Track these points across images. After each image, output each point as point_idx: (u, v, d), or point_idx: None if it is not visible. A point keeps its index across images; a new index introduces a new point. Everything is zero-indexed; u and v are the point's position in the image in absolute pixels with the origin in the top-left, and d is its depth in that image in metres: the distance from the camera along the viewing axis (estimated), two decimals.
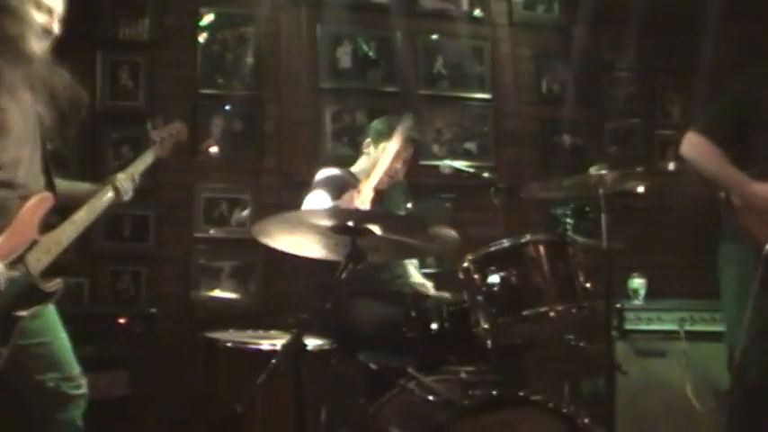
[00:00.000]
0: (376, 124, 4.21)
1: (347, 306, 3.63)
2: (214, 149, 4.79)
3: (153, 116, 3.49)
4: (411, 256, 4.02)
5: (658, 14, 5.58)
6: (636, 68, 5.95)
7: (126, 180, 3.09)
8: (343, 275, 2.56)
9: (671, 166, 5.75)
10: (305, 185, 4.12)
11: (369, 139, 4.16)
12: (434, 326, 3.35)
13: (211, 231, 4.92)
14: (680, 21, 5.74)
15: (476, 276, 3.12)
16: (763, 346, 3.26)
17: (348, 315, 3.62)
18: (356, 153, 4.44)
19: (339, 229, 2.62)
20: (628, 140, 5.92)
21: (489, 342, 3.08)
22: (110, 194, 3.04)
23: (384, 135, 3.98)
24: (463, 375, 3.09)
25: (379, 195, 3.90)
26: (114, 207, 3.08)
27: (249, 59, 5.07)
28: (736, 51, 5.78)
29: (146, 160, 3.26)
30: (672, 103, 6.10)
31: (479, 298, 3.09)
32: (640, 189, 3.57)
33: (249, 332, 3.45)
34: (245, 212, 4.95)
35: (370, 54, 5.36)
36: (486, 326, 3.05)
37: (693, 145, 3.45)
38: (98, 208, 2.98)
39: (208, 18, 5.03)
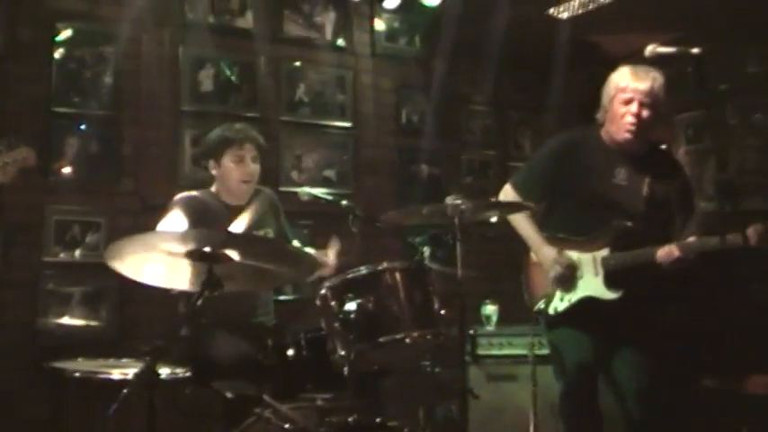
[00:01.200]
0: (207, 142, 4.10)
1: (203, 334, 3.57)
2: (67, 170, 4.61)
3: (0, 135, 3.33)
4: (269, 285, 3.97)
5: (513, 53, 5.86)
6: (491, 103, 6.23)
7: None
8: (199, 303, 2.52)
9: None
10: (162, 209, 4.03)
11: (211, 161, 4.02)
12: (291, 353, 3.35)
13: (61, 255, 4.71)
14: (532, 60, 6.05)
15: (333, 303, 3.16)
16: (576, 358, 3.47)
17: (204, 343, 3.55)
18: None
19: (195, 256, 2.57)
20: (483, 172, 6.16)
21: (346, 369, 3.10)
22: None
23: (220, 147, 3.92)
24: (320, 403, 3.11)
25: (240, 212, 3.86)
26: None
27: (108, 79, 4.90)
28: (579, 92, 6.15)
29: None
30: (524, 137, 6.41)
31: (336, 325, 3.13)
32: (494, 219, 3.72)
33: (99, 361, 3.32)
34: (96, 235, 4.77)
35: (233, 78, 5.33)
36: (343, 353, 3.08)
37: (505, 195, 3.70)
38: None
39: (65, 34, 4.82)
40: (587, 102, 6.39)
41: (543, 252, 3.53)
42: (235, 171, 3.89)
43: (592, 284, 3.41)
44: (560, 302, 3.49)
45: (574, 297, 3.45)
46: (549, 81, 5.95)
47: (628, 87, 3.33)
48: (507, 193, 3.66)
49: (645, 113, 3.32)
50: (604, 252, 3.39)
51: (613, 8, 5.61)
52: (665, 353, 3.59)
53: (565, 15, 5.79)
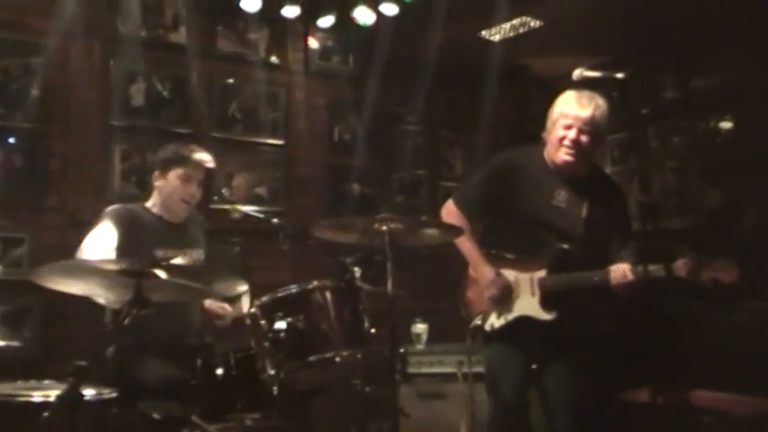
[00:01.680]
0: (162, 153, 4.06)
1: (130, 353, 3.51)
2: None
3: None
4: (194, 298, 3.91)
5: (445, 73, 5.94)
6: (423, 122, 6.30)
7: None
8: (126, 321, 2.49)
9: None
10: (90, 225, 3.95)
11: (157, 172, 4.02)
12: (220, 372, 3.31)
13: None
14: (464, 80, 6.15)
15: (263, 322, 3.15)
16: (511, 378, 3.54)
17: (131, 363, 3.49)
18: (144, 193, 4.30)
19: (126, 273, 2.55)
20: (414, 190, 6.22)
21: (276, 388, 3.10)
22: None
23: (172, 162, 3.90)
24: (249, 423, 3.10)
25: (177, 230, 3.84)
26: None
27: (35, 91, 4.77)
28: (509, 112, 6.31)
29: None
30: (455, 156, 6.49)
31: (266, 344, 3.12)
32: (430, 231, 3.74)
33: (19, 383, 3.21)
34: (19, 251, 4.64)
35: (165, 93, 5.27)
36: (272, 372, 3.08)
37: (449, 213, 3.68)
38: None
39: None
40: (517, 122, 6.60)
41: (482, 271, 3.55)
42: (179, 189, 3.85)
43: (528, 304, 3.45)
44: (496, 320, 3.52)
45: (510, 316, 3.48)
46: (480, 101, 6.05)
47: (570, 114, 3.39)
48: (449, 210, 3.68)
49: (584, 139, 3.37)
50: (542, 273, 3.44)
51: (543, 32, 5.76)
52: (594, 368, 3.65)
53: (497, 38, 5.91)
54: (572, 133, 3.37)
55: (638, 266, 3.15)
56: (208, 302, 3.87)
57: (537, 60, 6.36)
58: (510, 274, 3.51)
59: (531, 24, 5.70)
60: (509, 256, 3.55)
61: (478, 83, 5.95)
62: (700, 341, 4.55)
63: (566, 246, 3.42)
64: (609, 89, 3.30)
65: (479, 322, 3.56)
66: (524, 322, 3.45)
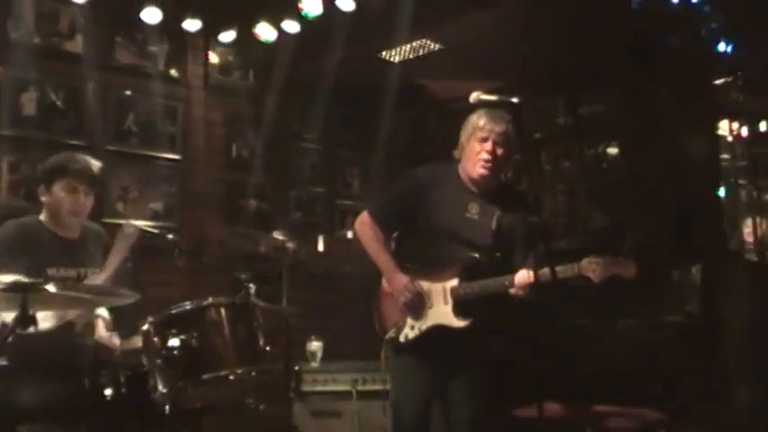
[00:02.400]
0: (44, 165, 3.86)
1: (7, 374, 3.34)
2: None
3: None
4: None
5: (345, 92, 6.00)
6: (321, 140, 6.34)
7: None
8: (9, 340, 2.42)
9: (349, 234, 6.13)
10: None
11: (42, 186, 3.79)
12: (109, 392, 3.23)
13: None
14: (363, 100, 6.22)
15: (156, 339, 3.11)
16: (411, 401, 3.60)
17: (8, 384, 3.33)
18: (34, 207, 4.16)
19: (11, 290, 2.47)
20: (311, 208, 6.23)
21: (167, 407, 3.05)
22: None
23: (54, 173, 3.73)
24: None
25: (71, 246, 3.70)
26: None
27: None
28: (406, 132, 6.42)
29: None
30: (352, 175, 6.55)
31: (159, 361, 3.08)
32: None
33: None
34: None
35: (58, 103, 5.13)
36: (164, 390, 3.03)
37: (363, 224, 3.72)
38: None
39: None
40: (413, 142, 6.72)
41: (395, 278, 3.58)
42: (65, 201, 3.65)
43: (441, 313, 3.51)
44: (411, 330, 3.56)
45: (424, 325, 3.53)
46: (378, 121, 6.13)
47: (485, 127, 3.50)
48: (364, 221, 3.71)
49: (499, 152, 3.50)
50: (453, 282, 3.52)
51: (442, 55, 5.89)
52: (494, 383, 3.73)
53: (396, 59, 6.00)
54: (488, 145, 3.48)
55: (546, 269, 3.26)
56: (98, 335, 3.73)
57: (434, 83, 6.49)
58: (423, 284, 3.57)
59: (431, 47, 5.81)
60: (421, 268, 3.59)
61: (377, 103, 6.03)
62: (585, 356, 4.73)
63: (476, 255, 3.52)
64: (505, 121, 3.44)
65: (393, 334, 3.59)
66: (437, 332, 3.50)
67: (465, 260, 3.52)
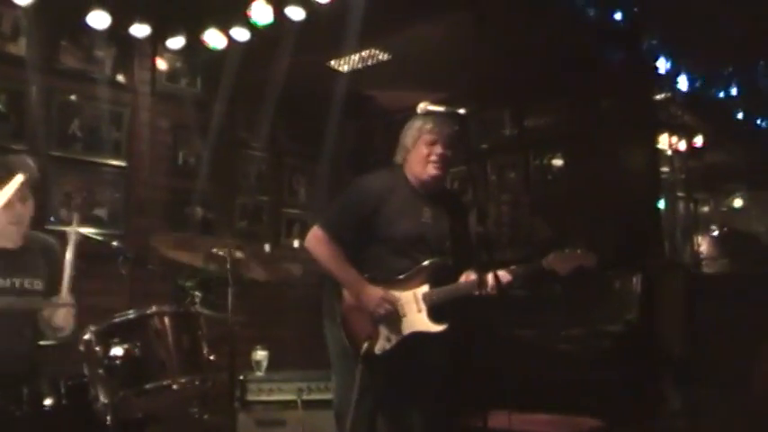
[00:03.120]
0: None
1: None
2: None
3: None
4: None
5: (292, 100, 6.01)
6: (267, 148, 6.33)
7: None
8: None
9: (296, 243, 6.14)
10: None
11: None
12: (49, 402, 3.18)
13: None
14: (310, 108, 6.24)
15: (98, 348, 3.08)
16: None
17: None
18: None
19: None
20: (257, 216, 6.22)
21: (109, 417, 3.02)
22: None
23: None
24: None
25: (8, 257, 3.49)
26: None
27: None
28: (352, 141, 6.45)
29: None
30: (299, 183, 6.56)
31: (100, 371, 3.05)
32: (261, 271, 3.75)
33: None
34: None
35: (0, 107, 5.04)
36: (105, 400, 3.00)
37: (317, 239, 3.62)
38: None
39: None
40: (359, 151, 6.75)
41: (368, 292, 3.51)
42: (0, 213, 3.35)
43: (417, 321, 3.51)
44: (387, 342, 3.52)
45: (401, 335, 3.52)
46: (325, 130, 6.15)
47: (434, 130, 3.53)
48: (318, 237, 3.62)
49: (448, 153, 3.54)
50: (424, 288, 3.52)
51: (390, 66, 5.94)
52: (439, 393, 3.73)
53: (345, 68, 6.03)
54: (438, 148, 3.51)
55: (515, 267, 3.30)
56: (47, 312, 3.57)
57: (382, 93, 6.54)
58: (393, 294, 3.55)
59: (379, 57, 5.86)
60: (384, 277, 3.58)
61: (324, 111, 6.05)
62: (527, 366, 4.79)
63: (441, 259, 3.54)
64: (451, 124, 3.48)
65: (367, 347, 3.53)
66: (415, 340, 3.50)
67: (432, 266, 3.54)
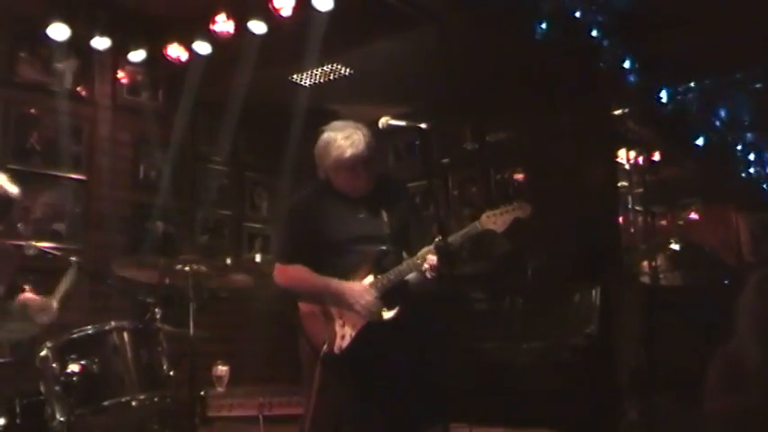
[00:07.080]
0: None
1: None
2: None
3: None
4: None
5: (254, 115, 6.00)
6: (229, 162, 6.31)
7: None
8: None
9: (257, 257, 6.12)
10: None
11: None
12: (2, 422, 3.13)
13: None
14: (271, 123, 6.24)
15: (54, 365, 3.05)
16: None
17: None
18: None
19: None
20: (218, 231, 6.19)
21: None
22: None
23: None
24: None
25: None
26: None
27: None
28: (312, 158, 6.43)
29: None
30: (260, 197, 6.54)
31: (57, 388, 3.02)
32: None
33: None
34: None
35: None
36: (62, 419, 2.97)
37: (279, 273, 3.62)
38: None
39: None
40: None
41: (348, 289, 3.47)
42: None
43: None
44: (342, 340, 3.51)
45: (354, 329, 3.51)
46: (286, 144, 6.15)
47: (350, 157, 3.49)
48: (281, 272, 3.60)
49: (369, 170, 3.53)
50: (370, 278, 3.53)
51: (352, 80, 5.97)
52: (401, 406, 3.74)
53: (307, 82, 6.05)
54: (358, 172, 3.49)
55: (451, 236, 3.30)
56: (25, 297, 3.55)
57: (344, 107, 6.55)
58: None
59: (341, 71, 5.88)
60: (335, 277, 3.58)
61: (286, 125, 6.05)
62: (489, 379, 4.83)
63: (382, 247, 3.55)
64: (413, 138, 3.49)
65: (326, 349, 3.53)
66: (370, 332, 3.49)
67: (372, 254, 3.55)
